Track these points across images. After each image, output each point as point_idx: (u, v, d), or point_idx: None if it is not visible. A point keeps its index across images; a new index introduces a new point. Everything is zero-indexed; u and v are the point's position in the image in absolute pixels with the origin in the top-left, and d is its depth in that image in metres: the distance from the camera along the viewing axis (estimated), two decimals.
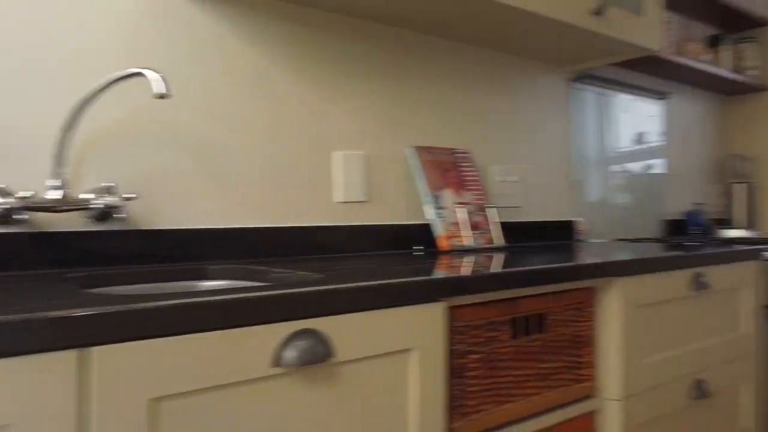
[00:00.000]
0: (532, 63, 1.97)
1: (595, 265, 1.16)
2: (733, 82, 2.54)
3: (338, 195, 1.46)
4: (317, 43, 1.44)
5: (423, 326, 0.88)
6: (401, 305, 0.86)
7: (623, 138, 2.29)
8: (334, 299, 0.78)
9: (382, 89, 1.56)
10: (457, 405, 0.96)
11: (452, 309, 0.96)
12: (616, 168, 2.26)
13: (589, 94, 2.16)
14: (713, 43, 2.55)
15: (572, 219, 2.08)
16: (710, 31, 2.67)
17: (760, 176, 2.75)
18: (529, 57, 1.93)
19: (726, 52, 2.54)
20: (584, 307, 1.20)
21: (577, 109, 2.11)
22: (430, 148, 1.61)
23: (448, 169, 1.61)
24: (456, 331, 0.96)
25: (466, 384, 0.97)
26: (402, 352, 0.87)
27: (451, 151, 1.65)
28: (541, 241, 1.96)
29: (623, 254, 1.36)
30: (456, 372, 0.96)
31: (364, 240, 1.50)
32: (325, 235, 1.43)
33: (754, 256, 1.61)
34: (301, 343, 0.74)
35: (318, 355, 0.75)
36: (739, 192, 2.59)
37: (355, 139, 1.51)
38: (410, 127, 1.62)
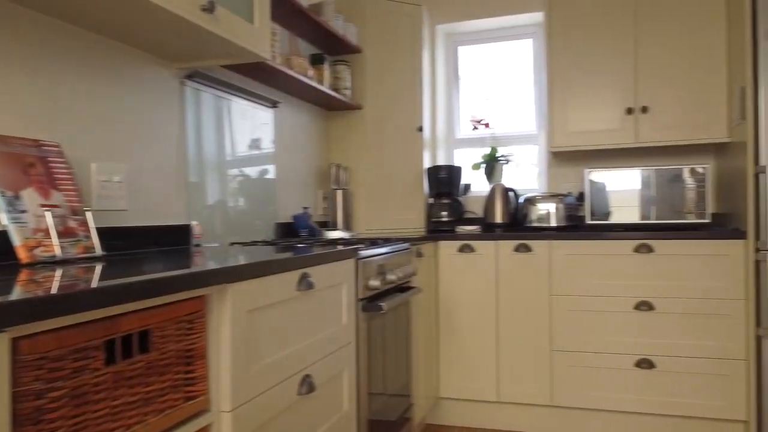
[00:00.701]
0: (141, 54, 1.79)
1: (207, 273, 1.08)
2: (333, 98, 2.83)
3: None
4: None
5: None
6: None
7: (240, 142, 2.30)
8: None
9: None
10: None
11: (21, 339, 0.75)
12: (233, 172, 2.25)
13: (207, 96, 2.09)
14: (315, 61, 2.79)
15: (188, 223, 1.98)
16: (313, 49, 2.93)
17: (353, 184, 3.13)
18: (138, 47, 1.75)
19: (326, 71, 2.80)
20: (196, 318, 1.11)
21: (194, 110, 2.02)
22: (6, 138, 1.29)
23: (31, 164, 1.32)
24: (27, 366, 0.75)
25: (45, 430, 0.77)
26: None
27: (37, 144, 1.36)
28: (152, 247, 1.80)
29: (237, 259, 1.33)
30: (30, 418, 0.75)
31: None
32: None
33: (353, 254, 1.78)
34: None
35: None
36: (339, 197, 2.90)
37: None
38: None
